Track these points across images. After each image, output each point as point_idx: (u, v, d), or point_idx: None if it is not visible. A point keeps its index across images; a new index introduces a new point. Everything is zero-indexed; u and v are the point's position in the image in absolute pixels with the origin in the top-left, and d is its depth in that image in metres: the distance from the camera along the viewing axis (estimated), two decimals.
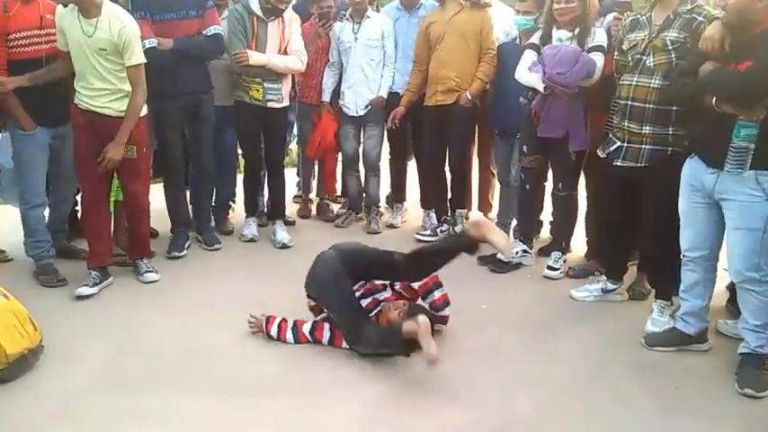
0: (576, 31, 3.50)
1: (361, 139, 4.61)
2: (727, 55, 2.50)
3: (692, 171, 2.70)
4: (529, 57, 3.63)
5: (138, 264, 3.65)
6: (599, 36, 3.50)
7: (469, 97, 4.05)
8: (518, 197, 4.00)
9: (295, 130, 4.87)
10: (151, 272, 3.64)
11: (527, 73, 3.58)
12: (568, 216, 3.88)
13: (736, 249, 2.55)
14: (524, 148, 3.76)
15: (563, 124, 3.52)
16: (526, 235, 4.01)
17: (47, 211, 3.78)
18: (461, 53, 4.04)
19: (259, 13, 3.99)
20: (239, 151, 4.56)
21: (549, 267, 3.78)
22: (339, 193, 5.26)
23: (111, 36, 3.18)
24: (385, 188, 4.98)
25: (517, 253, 3.92)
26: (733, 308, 3.19)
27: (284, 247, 4.30)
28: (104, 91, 3.27)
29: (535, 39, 3.68)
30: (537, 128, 3.58)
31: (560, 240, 3.91)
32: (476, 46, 4.05)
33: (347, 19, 4.40)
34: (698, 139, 2.68)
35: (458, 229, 4.36)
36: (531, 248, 3.99)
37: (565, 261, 3.84)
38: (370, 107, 4.41)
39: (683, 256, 2.82)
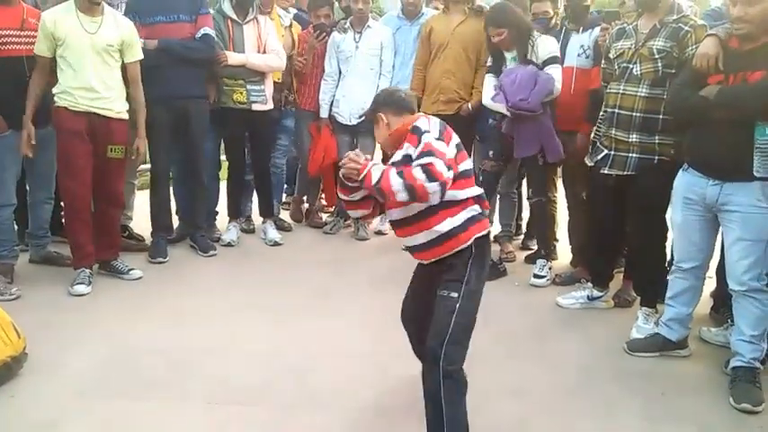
0: (516, 50, 3.61)
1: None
2: (734, 66, 2.50)
3: (689, 184, 2.69)
4: (490, 81, 3.73)
5: (116, 265, 3.65)
6: (549, 46, 3.58)
7: (470, 109, 4.10)
8: None
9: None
10: (134, 269, 3.66)
11: (492, 102, 3.68)
12: (543, 222, 3.94)
13: (741, 260, 2.54)
14: (490, 153, 3.84)
15: (536, 141, 3.61)
16: None
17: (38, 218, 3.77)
18: (464, 65, 4.09)
19: (232, 14, 4.09)
20: (221, 157, 4.56)
21: (535, 276, 3.80)
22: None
23: (121, 33, 3.34)
24: None
25: None
26: (717, 315, 3.24)
27: (276, 244, 4.35)
28: (105, 90, 3.31)
29: (491, 61, 3.79)
30: (505, 141, 3.69)
31: (541, 248, 3.96)
32: (475, 57, 4.10)
33: (348, 27, 4.41)
34: (699, 152, 2.64)
35: None
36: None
37: (550, 268, 3.87)
38: (364, 118, 4.42)
39: (676, 265, 2.83)
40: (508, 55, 3.67)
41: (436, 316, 2.08)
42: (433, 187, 1.93)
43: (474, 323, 2.12)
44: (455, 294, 2.06)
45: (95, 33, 3.27)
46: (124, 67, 3.49)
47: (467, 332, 2.10)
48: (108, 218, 3.63)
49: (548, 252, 3.95)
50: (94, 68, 3.29)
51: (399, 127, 2.13)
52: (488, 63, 3.82)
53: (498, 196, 4.17)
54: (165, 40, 3.76)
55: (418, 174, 1.93)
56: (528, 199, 3.88)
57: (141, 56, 3.51)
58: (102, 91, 3.33)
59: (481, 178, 3.90)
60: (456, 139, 2.10)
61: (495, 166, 3.82)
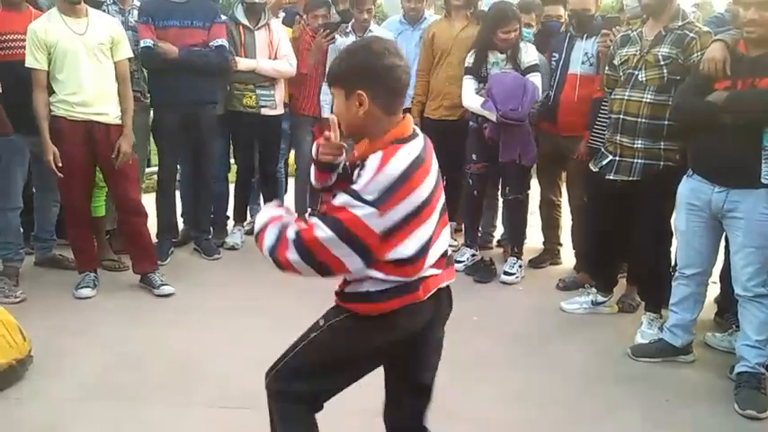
0: (509, 52, 3.71)
1: None
2: (742, 71, 2.50)
3: (693, 190, 2.69)
4: (470, 84, 3.80)
5: (151, 278, 3.57)
6: (531, 54, 3.72)
7: (471, 124, 4.10)
8: (466, 203, 4.10)
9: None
10: (166, 285, 3.55)
11: (476, 103, 3.73)
12: (517, 220, 4.01)
13: (747, 267, 2.55)
14: (473, 156, 3.90)
15: (517, 147, 3.69)
16: (473, 239, 4.14)
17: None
18: None
19: (244, 21, 4.12)
20: (231, 160, 4.57)
21: (505, 273, 3.87)
22: None
23: (110, 30, 3.33)
24: None
25: (467, 258, 4.03)
26: (722, 321, 3.24)
27: None
28: (100, 93, 3.29)
29: (470, 61, 3.82)
30: (485, 142, 3.76)
31: (514, 245, 4.00)
32: None
33: (349, 32, 4.42)
34: (705, 158, 2.65)
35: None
36: (477, 251, 4.11)
37: (521, 266, 3.93)
38: None
39: (678, 272, 2.84)
40: (492, 57, 3.74)
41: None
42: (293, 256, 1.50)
43: (325, 374, 1.74)
44: (322, 322, 1.69)
45: (84, 34, 3.24)
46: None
47: (306, 369, 1.71)
48: (133, 229, 3.54)
49: (520, 250, 4.00)
50: (88, 71, 3.25)
51: (389, 135, 1.52)
52: (467, 63, 3.84)
53: (502, 201, 4.17)
54: (186, 51, 3.77)
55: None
56: (504, 196, 3.96)
57: (130, 53, 3.49)
58: (98, 96, 3.28)
59: (471, 182, 3.94)
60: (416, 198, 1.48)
61: (481, 167, 3.89)
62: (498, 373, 2.77)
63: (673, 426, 2.43)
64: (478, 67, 3.77)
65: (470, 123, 3.90)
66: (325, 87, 4.49)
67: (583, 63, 3.69)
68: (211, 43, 3.87)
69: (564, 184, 4.11)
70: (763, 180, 2.46)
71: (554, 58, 3.82)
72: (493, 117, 3.62)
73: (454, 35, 4.09)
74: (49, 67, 3.24)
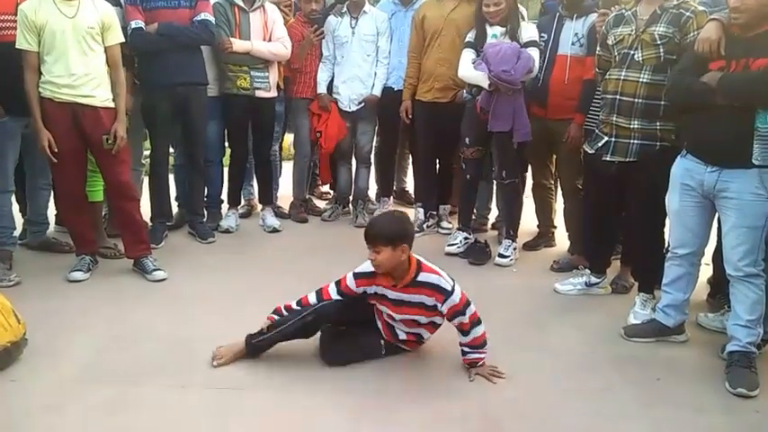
0: (508, 26, 3.69)
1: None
2: (737, 52, 2.49)
3: (687, 170, 2.70)
4: (468, 55, 3.77)
5: (144, 262, 3.55)
6: (530, 31, 3.71)
7: (465, 95, 4.08)
8: (461, 187, 4.13)
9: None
10: (159, 270, 3.53)
11: (471, 71, 3.71)
12: (513, 204, 4.01)
13: (737, 247, 2.56)
14: (467, 140, 3.88)
15: (509, 118, 3.65)
16: (466, 223, 4.14)
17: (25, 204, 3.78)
18: (459, 51, 4.03)
19: (239, 1, 4.06)
20: (226, 144, 4.55)
21: (500, 255, 3.89)
22: (326, 188, 5.33)
23: (100, 14, 3.28)
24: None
25: (460, 241, 4.04)
26: (714, 301, 3.26)
27: (274, 231, 4.37)
28: (88, 77, 3.24)
29: (471, 36, 3.81)
30: (481, 122, 3.72)
31: (509, 228, 4.01)
32: None
33: (344, 13, 4.39)
34: (699, 138, 2.65)
35: (443, 224, 4.44)
36: (470, 234, 4.12)
37: (515, 249, 3.95)
38: (363, 104, 4.42)
39: (671, 252, 2.85)
40: (490, 31, 3.73)
41: None
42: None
43: None
44: None
45: (74, 17, 3.20)
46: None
47: None
48: (125, 213, 3.51)
49: (515, 232, 4.00)
50: (76, 55, 3.21)
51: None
52: (468, 38, 3.83)
53: (496, 183, 4.18)
54: (165, 25, 3.73)
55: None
56: (501, 180, 3.93)
57: (122, 38, 3.43)
58: (85, 79, 3.24)
59: (464, 166, 3.94)
60: None
61: (475, 152, 3.87)
62: (492, 353, 2.78)
63: (665, 404, 2.45)
64: (479, 42, 3.75)
65: (464, 95, 3.87)
66: (321, 67, 4.47)
67: (573, 44, 3.65)
68: (195, 18, 3.81)
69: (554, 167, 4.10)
70: (754, 161, 2.47)
71: (542, 39, 3.77)
72: (485, 82, 3.59)
73: (444, 16, 4.07)
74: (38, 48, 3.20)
